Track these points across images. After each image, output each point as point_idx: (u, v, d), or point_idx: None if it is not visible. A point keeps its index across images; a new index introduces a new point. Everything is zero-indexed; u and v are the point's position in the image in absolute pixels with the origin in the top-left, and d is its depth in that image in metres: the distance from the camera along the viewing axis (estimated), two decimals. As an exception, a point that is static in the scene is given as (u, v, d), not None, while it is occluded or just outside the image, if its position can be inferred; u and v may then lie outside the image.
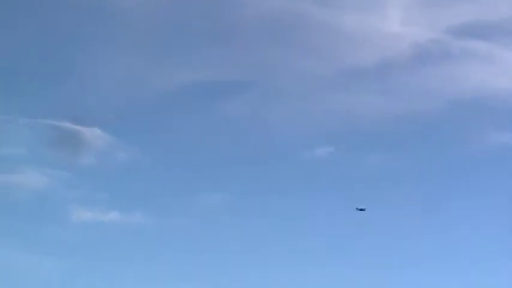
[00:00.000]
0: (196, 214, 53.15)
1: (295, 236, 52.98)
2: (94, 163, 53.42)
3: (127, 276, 47.50)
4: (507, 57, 56.34)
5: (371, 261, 50.73)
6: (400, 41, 57.17)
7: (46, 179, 52.57)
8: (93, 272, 47.62)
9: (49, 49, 56.56)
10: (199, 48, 58.26)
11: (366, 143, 57.76)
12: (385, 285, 49.33)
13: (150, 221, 52.07)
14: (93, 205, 51.98)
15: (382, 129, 57.24)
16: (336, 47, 58.31)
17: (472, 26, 56.85)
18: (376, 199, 53.81)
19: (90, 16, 56.36)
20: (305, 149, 56.62)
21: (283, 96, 58.72)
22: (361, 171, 56.39)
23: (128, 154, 54.14)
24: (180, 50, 58.36)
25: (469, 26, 56.82)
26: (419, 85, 58.01)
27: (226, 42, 58.13)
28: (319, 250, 52.25)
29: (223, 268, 49.21)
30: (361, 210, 51.38)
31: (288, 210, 53.89)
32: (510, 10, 58.17)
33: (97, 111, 53.93)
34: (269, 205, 54.13)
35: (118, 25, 57.18)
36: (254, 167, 56.55)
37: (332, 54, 58.28)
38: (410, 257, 51.64)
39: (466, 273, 50.27)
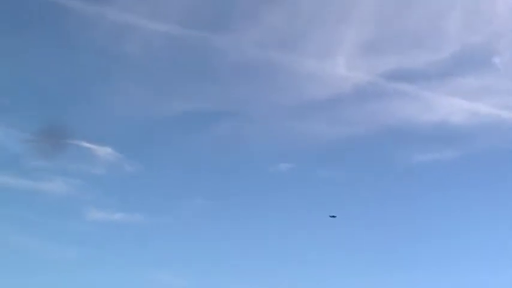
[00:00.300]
0: (185, 215, 60.80)
1: (265, 235, 60.51)
2: (105, 174, 60.76)
3: (129, 264, 55.17)
4: (428, 96, 64.60)
5: (336, 265, 58.35)
6: (345, 82, 64.80)
7: (68, 186, 59.67)
8: (103, 259, 55.76)
9: (73, 82, 64.07)
10: (191, 84, 65.96)
11: (318, 160, 65.81)
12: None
13: (148, 220, 59.13)
14: (103, 207, 59.55)
15: (330, 149, 65.65)
16: (296, 85, 66.17)
17: (400, 72, 65.21)
18: (327, 205, 60.49)
19: (106, 57, 63.04)
20: (272, 164, 64.27)
21: (255, 123, 67.02)
22: (314, 182, 64.14)
23: (132, 167, 61.52)
24: (177, 86, 66.71)
25: (398, 72, 65.09)
26: (359, 116, 66.74)
27: (212, 80, 66.53)
28: (285, 249, 59.38)
29: (203, 259, 56.33)
30: (332, 217, 55.14)
31: (259, 213, 62.08)
32: (429, 59, 65.32)
33: (109, 133, 61.85)
34: (244, 208, 62.49)
35: (128, 64, 64.03)
36: (232, 178, 64.93)
37: (293, 90, 66.48)
38: (361, 259, 59.06)
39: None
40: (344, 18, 65.21)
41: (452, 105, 65.38)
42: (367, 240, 61.05)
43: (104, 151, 60.41)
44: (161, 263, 56.21)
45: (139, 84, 65.29)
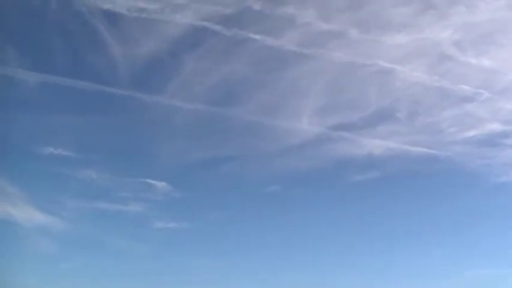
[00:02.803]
0: (208, 222, 72.43)
1: (260, 248, 71.85)
2: (163, 199, 71.50)
3: (180, 254, 67.93)
4: (359, 139, 75.99)
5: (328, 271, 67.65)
6: (308, 133, 76.25)
7: (140, 207, 70.86)
8: (165, 253, 67.92)
9: (142, 142, 75.74)
10: (209, 140, 77.35)
11: (295, 183, 76.54)
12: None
13: (188, 226, 70.84)
14: (162, 219, 70.57)
15: (302, 176, 76.55)
16: (277, 137, 77.10)
17: (342, 125, 76.94)
18: (303, 215, 74.16)
19: (162, 125, 74.43)
20: (264, 187, 74.99)
21: (251, 162, 77.55)
22: (294, 198, 75.53)
23: (178, 194, 72.40)
24: (201, 142, 77.22)
25: (340, 125, 76.88)
26: (317, 154, 77.19)
27: (221, 137, 77.16)
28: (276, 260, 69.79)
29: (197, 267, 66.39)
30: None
31: (255, 222, 74.29)
32: (359, 116, 77.37)
33: (163, 173, 73.06)
34: (246, 217, 74.20)
35: (174, 130, 75.56)
36: (238, 196, 75.52)
37: (275, 141, 76.94)
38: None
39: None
40: (306, 95, 76.85)
41: (374, 144, 76.00)
42: (326, 247, 71.69)
43: (161, 184, 71.43)
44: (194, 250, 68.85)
45: (180, 142, 76.50)
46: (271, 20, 68.16)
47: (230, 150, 77.05)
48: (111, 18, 64.65)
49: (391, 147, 74.40)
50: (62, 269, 59.67)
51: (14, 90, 63.75)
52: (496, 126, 71.48)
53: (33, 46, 65.03)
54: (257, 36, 66.87)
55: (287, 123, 75.07)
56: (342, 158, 75.79)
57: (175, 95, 71.81)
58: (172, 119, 73.39)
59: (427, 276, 65.97)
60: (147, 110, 72.08)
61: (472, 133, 72.11)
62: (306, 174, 76.07)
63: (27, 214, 60.70)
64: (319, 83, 74.41)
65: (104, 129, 71.76)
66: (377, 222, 72.61)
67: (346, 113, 77.97)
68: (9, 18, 62.04)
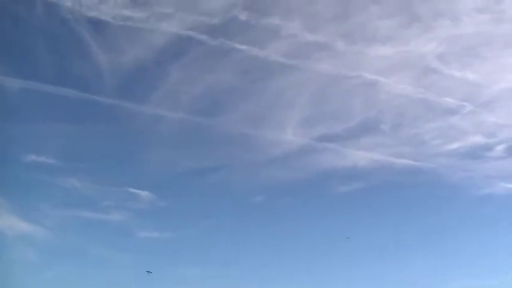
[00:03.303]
0: (195, 231, 73.05)
1: (243, 241, 73.41)
2: (146, 207, 72.01)
3: (164, 264, 67.39)
4: (343, 151, 75.81)
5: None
6: (292, 144, 75.95)
7: (123, 216, 71.22)
8: (148, 262, 66.58)
9: (126, 150, 76.83)
10: (195, 150, 78.15)
11: (280, 193, 77.23)
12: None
13: (172, 235, 71.75)
14: (146, 229, 71.11)
15: (287, 186, 76.88)
16: (262, 147, 77.32)
17: (326, 136, 77.28)
18: (289, 223, 75.45)
19: (146, 134, 75.73)
20: (250, 197, 75.76)
21: (237, 172, 77.62)
22: (279, 208, 76.61)
23: (162, 203, 73.04)
24: (186, 152, 77.86)
25: (324, 136, 77.20)
26: (302, 165, 77.33)
27: (208, 147, 78.18)
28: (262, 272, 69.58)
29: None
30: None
31: (241, 229, 75.08)
32: (344, 128, 78.29)
33: (146, 183, 73.51)
34: (233, 226, 75.11)
35: (159, 139, 76.02)
36: (224, 206, 76.26)
37: (260, 151, 77.43)
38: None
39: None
40: (290, 106, 77.75)
41: (359, 155, 75.18)
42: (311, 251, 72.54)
43: (145, 194, 71.77)
44: (178, 260, 69.52)
45: (165, 151, 77.09)
46: (257, 30, 70.12)
47: (215, 160, 77.22)
48: (97, 26, 66.66)
49: (376, 159, 74.57)
50: (45, 277, 59.40)
51: (-3, 96, 61.79)
52: (479, 139, 74.30)
53: (18, 53, 67.32)
54: (243, 47, 68.63)
55: (272, 134, 75.12)
56: (327, 169, 75.84)
57: (160, 104, 72.74)
58: (157, 128, 74.04)
59: (411, 286, 68.24)
60: (131, 118, 72.90)
61: (455, 145, 74.84)
62: (291, 185, 76.17)
63: (9, 222, 60.53)
64: (304, 94, 75.52)
65: (87, 137, 72.95)
66: (362, 233, 73.33)
67: (331, 124, 78.21)
68: (-6, 25, 60.91)
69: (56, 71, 69.06)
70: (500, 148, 73.33)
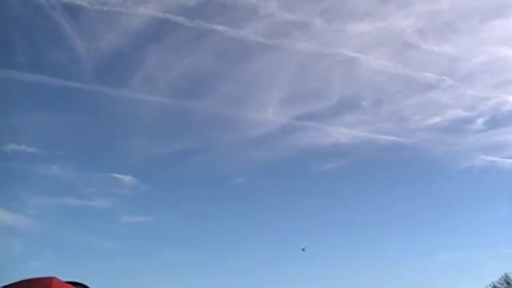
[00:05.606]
0: (178, 215, 74.93)
1: (226, 235, 75.19)
2: (129, 193, 72.01)
3: (148, 247, 70.54)
4: (325, 128, 75.10)
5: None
6: (274, 124, 75.80)
7: (107, 202, 71.34)
8: (131, 248, 69.85)
9: (107, 136, 76.91)
10: (177, 133, 79.25)
11: (262, 174, 79.42)
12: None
13: (156, 219, 73.40)
14: (129, 213, 72.36)
15: (269, 166, 78.77)
16: (244, 128, 78.44)
17: (307, 114, 77.54)
18: (271, 204, 77.28)
19: (128, 120, 75.72)
20: (232, 178, 76.93)
21: (219, 154, 78.30)
22: (261, 189, 78.22)
23: (145, 187, 73.22)
24: (169, 134, 79.23)
25: (305, 114, 77.26)
26: (283, 144, 77.63)
27: (190, 130, 79.64)
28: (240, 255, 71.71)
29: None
30: (303, 249, 60.26)
31: (223, 208, 76.20)
32: (324, 106, 78.41)
33: (130, 167, 73.77)
34: (215, 206, 76.68)
35: (141, 123, 76.12)
36: (207, 188, 77.91)
37: (242, 132, 78.47)
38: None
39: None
40: (270, 86, 77.96)
41: (340, 133, 74.52)
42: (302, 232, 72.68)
43: (127, 178, 70.93)
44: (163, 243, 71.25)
45: (146, 135, 77.37)
46: (234, 10, 70.41)
47: (196, 142, 78.44)
48: (72, 11, 64.85)
49: (357, 136, 74.18)
50: (30, 267, 56.80)
51: (-27, 86, 61.49)
52: (459, 113, 73.61)
53: (-9, 41, 66.59)
54: (220, 28, 66.55)
55: (253, 114, 74.58)
56: (309, 148, 76.47)
57: (140, 88, 71.75)
58: (137, 113, 73.66)
59: (396, 260, 69.46)
60: (111, 104, 72.61)
61: (436, 120, 73.93)
62: (273, 165, 77.67)
63: (-10, 212, 56.31)
64: (283, 73, 75.12)
65: (67, 124, 72.31)
66: (345, 210, 75.02)
67: (311, 102, 79.29)
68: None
69: (32, 59, 67.75)
70: (480, 121, 73.04)
